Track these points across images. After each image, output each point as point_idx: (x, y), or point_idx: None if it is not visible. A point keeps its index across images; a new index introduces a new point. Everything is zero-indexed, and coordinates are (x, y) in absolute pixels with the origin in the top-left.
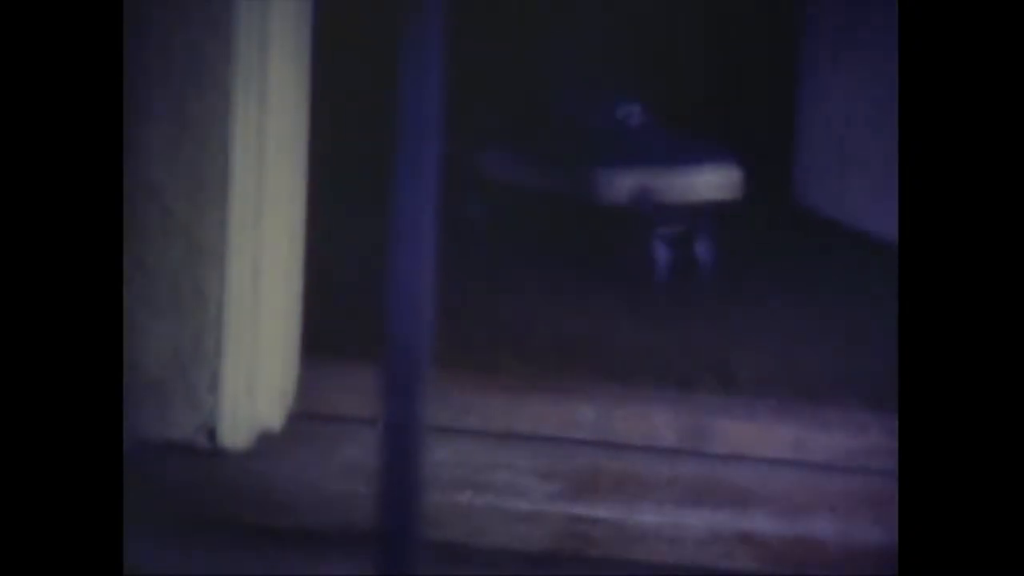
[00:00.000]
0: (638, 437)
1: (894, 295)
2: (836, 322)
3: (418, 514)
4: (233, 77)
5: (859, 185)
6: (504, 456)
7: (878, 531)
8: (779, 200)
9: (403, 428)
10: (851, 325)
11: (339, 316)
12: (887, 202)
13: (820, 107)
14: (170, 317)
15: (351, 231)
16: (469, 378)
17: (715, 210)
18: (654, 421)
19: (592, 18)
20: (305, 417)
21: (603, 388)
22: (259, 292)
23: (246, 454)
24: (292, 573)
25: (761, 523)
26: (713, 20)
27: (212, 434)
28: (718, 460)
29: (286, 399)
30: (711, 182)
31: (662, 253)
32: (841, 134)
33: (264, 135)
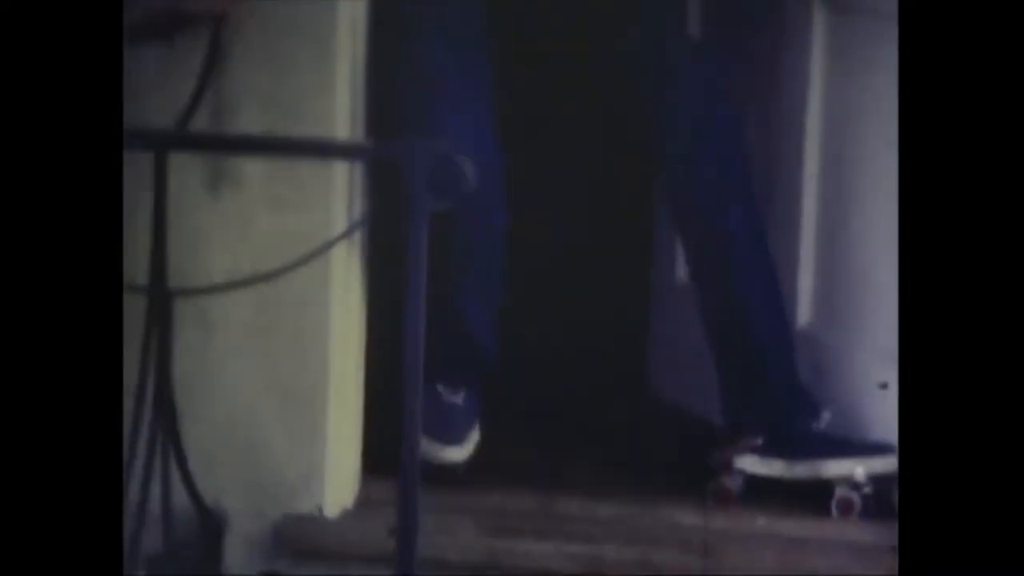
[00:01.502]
0: None
1: None
2: None
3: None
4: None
5: None
6: None
7: None
8: None
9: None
10: None
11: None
12: None
13: None
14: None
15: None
16: None
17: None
18: None
19: None
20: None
21: None
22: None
23: (337, 519)
24: None
25: None
26: None
27: (320, 509)
28: None
29: (352, 493)
30: (879, 466)
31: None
32: None
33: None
